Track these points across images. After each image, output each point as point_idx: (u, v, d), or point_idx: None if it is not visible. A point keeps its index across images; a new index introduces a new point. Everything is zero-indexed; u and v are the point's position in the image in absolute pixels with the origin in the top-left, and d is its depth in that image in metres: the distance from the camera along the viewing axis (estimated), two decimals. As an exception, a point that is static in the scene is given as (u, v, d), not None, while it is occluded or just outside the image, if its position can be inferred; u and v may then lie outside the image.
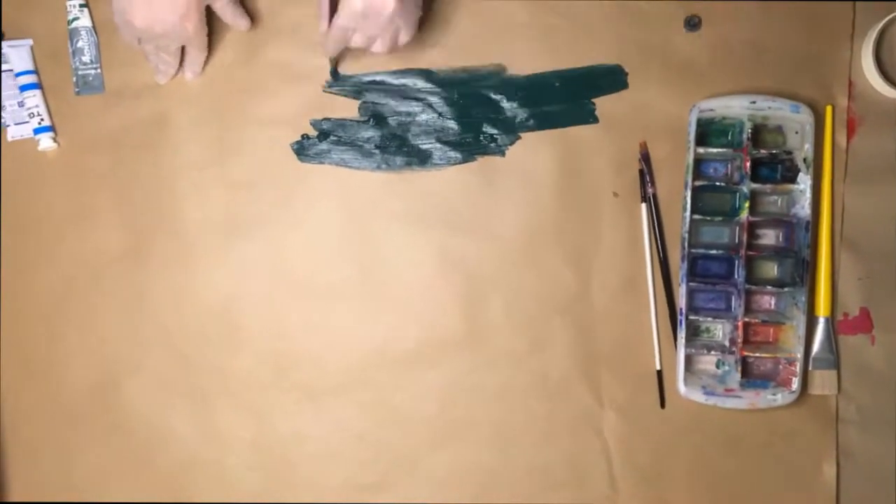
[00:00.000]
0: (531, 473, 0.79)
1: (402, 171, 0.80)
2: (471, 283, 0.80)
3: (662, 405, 0.79)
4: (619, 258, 0.79)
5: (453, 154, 0.80)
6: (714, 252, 0.78)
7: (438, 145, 0.80)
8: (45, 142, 0.80)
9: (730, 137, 0.79)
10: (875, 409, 0.78)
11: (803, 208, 0.77)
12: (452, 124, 0.80)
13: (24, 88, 0.80)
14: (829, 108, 0.78)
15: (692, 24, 0.78)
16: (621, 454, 0.79)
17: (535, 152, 0.80)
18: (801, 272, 0.76)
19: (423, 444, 0.80)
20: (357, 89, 0.80)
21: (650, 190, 0.78)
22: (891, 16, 0.76)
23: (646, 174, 0.78)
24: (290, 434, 0.80)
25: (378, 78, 0.80)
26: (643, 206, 0.79)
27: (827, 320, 0.78)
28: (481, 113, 0.80)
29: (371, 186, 0.80)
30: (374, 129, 0.80)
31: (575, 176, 0.79)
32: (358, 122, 0.80)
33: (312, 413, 0.80)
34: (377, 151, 0.80)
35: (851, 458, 0.78)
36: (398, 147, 0.80)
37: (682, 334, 0.77)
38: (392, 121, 0.80)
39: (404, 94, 0.80)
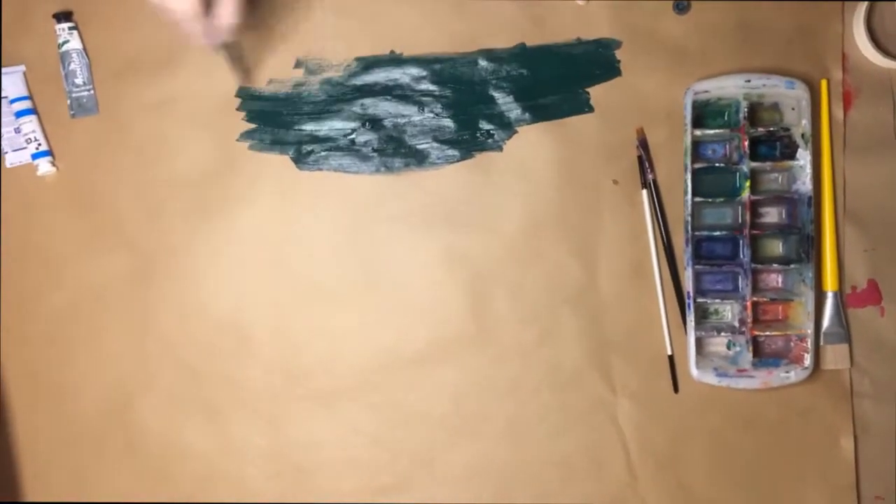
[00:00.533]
0: (548, 466, 0.79)
1: (401, 172, 0.80)
2: (476, 280, 0.80)
3: (676, 389, 0.79)
4: (623, 245, 0.79)
5: (451, 152, 0.80)
6: (718, 233, 0.77)
7: (436, 144, 0.80)
8: (44, 166, 0.80)
9: (726, 118, 0.78)
10: (889, 380, 0.78)
11: (804, 184, 0.76)
12: (448, 122, 0.80)
13: (19, 115, 0.80)
14: (823, 82, 0.78)
15: (681, 6, 0.78)
16: (637, 441, 0.79)
17: (532, 145, 0.80)
18: (807, 248, 0.76)
19: (439, 442, 0.80)
20: (351, 94, 0.80)
21: (650, 176, 0.78)
22: (881, -15, 0.76)
23: (644, 160, 0.78)
24: (306, 440, 0.81)
25: (371, 80, 0.80)
26: (644, 192, 0.79)
27: (835, 294, 0.78)
28: (476, 109, 0.80)
29: (371, 190, 0.80)
30: (371, 133, 0.80)
31: (574, 166, 0.79)
32: (354, 126, 0.80)
33: (326, 418, 0.80)
34: (375, 155, 0.80)
35: (868, 430, 0.78)
36: (395, 149, 0.80)
37: (691, 317, 0.77)
38: (387, 123, 0.80)
39: (398, 95, 0.80)
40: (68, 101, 0.80)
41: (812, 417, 0.78)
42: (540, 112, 0.79)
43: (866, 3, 0.76)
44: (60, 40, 0.80)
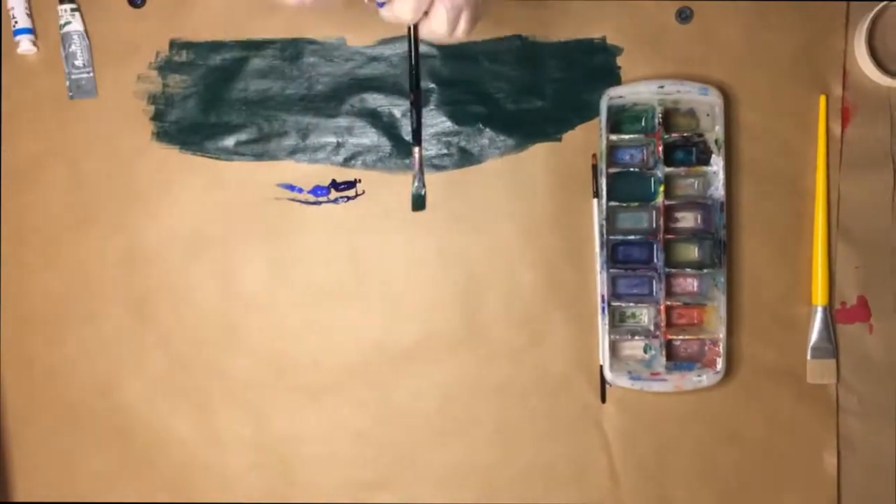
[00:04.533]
0: (532, 469, 0.79)
1: (397, 169, 0.80)
2: (468, 280, 0.80)
3: (603, 400, 0.79)
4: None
5: (449, 151, 0.80)
6: (633, 237, 0.78)
7: (434, 142, 0.80)
8: (25, 44, 0.79)
9: (643, 123, 0.79)
10: (875, 397, 0.78)
11: (717, 190, 0.77)
12: (448, 122, 0.80)
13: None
14: (822, 98, 0.78)
15: (684, 16, 0.78)
16: (621, 448, 0.79)
17: (530, 148, 0.80)
18: (720, 253, 0.76)
19: (423, 441, 0.80)
20: (351, 86, 0.80)
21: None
22: (883, 3, 0.76)
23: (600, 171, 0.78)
24: (290, 433, 0.81)
25: (368, 73, 0.80)
26: (595, 201, 0.78)
27: (824, 309, 0.78)
28: (475, 109, 0.80)
29: (367, 185, 0.80)
30: (367, 128, 0.80)
31: (571, 170, 0.79)
32: (351, 119, 0.80)
33: (312, 412, 0.80)
34: (371, 150, 0.80)
35: (852, 447, 0.78)
36: (392, 146, 0.80)
37: (604, 321, 0.77)
38: (386, 119, 0.80)
39: (399, 91, 0.80)
40: (67, 83, 0.80)
41: (797, 432, 0.78)
42: (538, 115, 0.79)
43: (868, 20, 0.76)
44: (62, 21, 0.79)
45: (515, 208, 0.80)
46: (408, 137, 0.80)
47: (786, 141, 0.79)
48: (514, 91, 0.79)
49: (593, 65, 0.79)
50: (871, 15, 0.76)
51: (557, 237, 0.79)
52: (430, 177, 0.80)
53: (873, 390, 0.78)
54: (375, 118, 0.80)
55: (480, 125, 0.80)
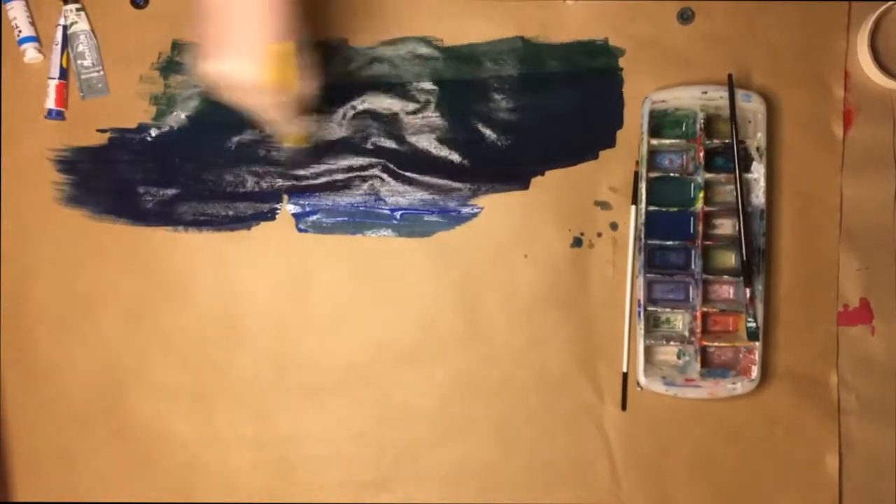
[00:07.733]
0: (533, 469, 0.79)
1: (398, 169, 0.80)
2: (468, 280, 0.80)
3: (624, 407, 0.78)
4: (615, 251, 0.79)
5: (449, 152, 0.80)
6: (671, 243, 0.78)
7: (435, 143, 0.80)
8: (31, 53, 0.80)
9: (684, 128, 0.79)
10: (877, 399, 0.78)
11: (758, 197, 0.76)
12: (447, 123, 0.80)
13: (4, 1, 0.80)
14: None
15: (685, 17, 0.79)
16: (622, 448, 0.79)
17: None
18: (758, 261, 0.76)
19: (424, 441, 0.80)
20: (352, 88, 0.80)
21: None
22: (886, 5, 0.76)
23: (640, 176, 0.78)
24: (292, 433, 0.80)
25: (371, 73, 0.80)
26: (633, 207, 0.78)
27: None
28: (477, 111, 0.80)
29: (365, 185, 0.80)
30: (370, 130, 0.80)
31: (571, 171, 0.79)
32: (354, 123, 0.81)
33: (313, 412, 0.80)
34: (372, 150, 0.80)
35: (853, 448, 0.78)
36: (394, 146, 0.80)
37: (641, 326, 0.77)
38: (387, 120, 0.80)
39: (400, 94, 0.80)
40: (77, 83, 0.81)
41: (798, 433, 0.78)
42: (539, 118, 0.79)
43: (871, 21, 0.76)
44: (68, 22, 0.80)
45: (515, 206, 0.80)
46: (409, 138, 0.80)
47: (787, 141, 0.79)
48: (515, 91, 0.79)
49: (595, 66, 0.79)
50: (875, 16, 0.76)
51: (558, 236, 0.79)
52: (430, 178, 0.80)
53: (875, 392, 0.78)
54: (377, 119, 0.80)
55: (480, 124, 0.80)
